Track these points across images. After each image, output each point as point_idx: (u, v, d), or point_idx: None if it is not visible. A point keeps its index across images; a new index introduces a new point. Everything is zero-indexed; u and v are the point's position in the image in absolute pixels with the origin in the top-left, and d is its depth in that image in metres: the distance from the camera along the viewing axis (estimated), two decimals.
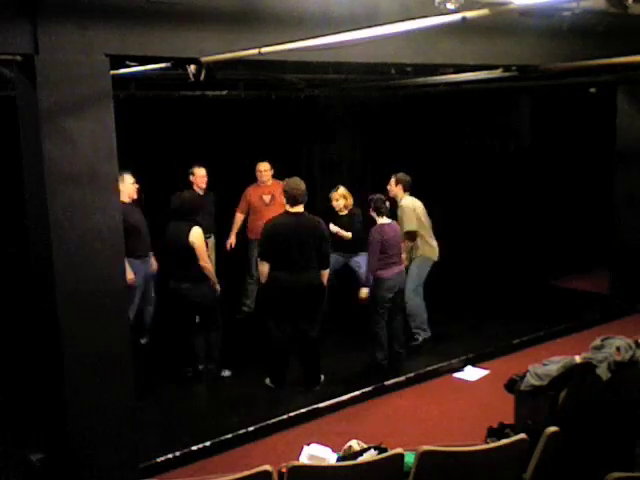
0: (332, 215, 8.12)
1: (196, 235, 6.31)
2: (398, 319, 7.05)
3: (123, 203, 6.85)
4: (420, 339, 7.55)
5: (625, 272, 8.97)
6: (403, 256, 7.24)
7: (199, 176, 7.73)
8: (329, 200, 8.08)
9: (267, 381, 6.58)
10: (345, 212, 8.07)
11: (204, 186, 7.79)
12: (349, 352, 7.37)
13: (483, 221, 10.22)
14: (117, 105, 4.82)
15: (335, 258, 8.22)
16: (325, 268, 6.46)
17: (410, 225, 7.35)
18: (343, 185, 8.18)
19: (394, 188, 7.54)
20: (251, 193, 8.35)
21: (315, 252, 6.33)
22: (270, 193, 8.27)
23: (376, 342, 6.93)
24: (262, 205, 8.25)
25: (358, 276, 7.93)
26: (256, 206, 8.27)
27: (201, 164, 7.81)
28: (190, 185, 7.71)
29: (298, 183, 6.44)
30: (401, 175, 7.56)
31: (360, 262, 8.07)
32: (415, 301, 7.51)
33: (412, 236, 7.39)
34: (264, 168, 8.27)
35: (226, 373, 6.77)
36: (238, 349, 7.23)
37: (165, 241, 6.55)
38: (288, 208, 6.44)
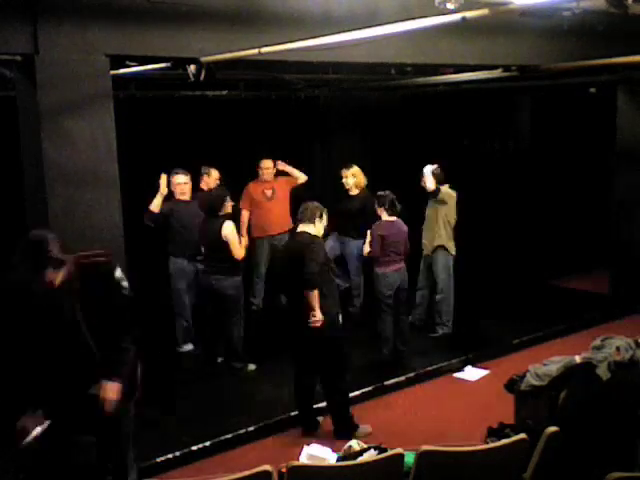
0: (343, 195, 8.14)
1: (228, 229, 6.50)
2: (403, 318, 7.07)
3: (178, 201, 7.10)
4: (440, 332, 7.65)
5: (625, 272, 8.97)
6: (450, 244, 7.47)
7: (214, 178, 7.68)
8: (340, 178, 8.15)
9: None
10: (356, 192, 8.08)
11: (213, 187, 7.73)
12: (349, 352, 7.36)
13: (483, 221, 10.21)
14: (117, 105, 4.82)
15: (330, 245, 8.28)
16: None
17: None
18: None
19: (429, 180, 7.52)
20: (252, 188, 8.32)
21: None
22: (271, 188, 8.28)
23: (382, 337, 6.96)
24: (264, 200, 8.24)
25: (349, 270, 8.12)
26: (258, 201, 8.25)
27: (214, 166, 7.76)
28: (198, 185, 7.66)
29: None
30: (436, 169, 7.60)
31: (354, 251, 8.10)
32: (449, 293, 7.65)
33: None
34: (267, 166, 8.25)
35: (252, 367, 6.81)
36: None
37: (198, 236, 6.78)
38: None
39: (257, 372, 6.75)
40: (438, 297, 7.69)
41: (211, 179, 7.59)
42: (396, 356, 7.03)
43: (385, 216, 6.89)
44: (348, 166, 8.17)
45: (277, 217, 8.28)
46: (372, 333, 7.25)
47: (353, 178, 8.07)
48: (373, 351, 7.12)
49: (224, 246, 6.51)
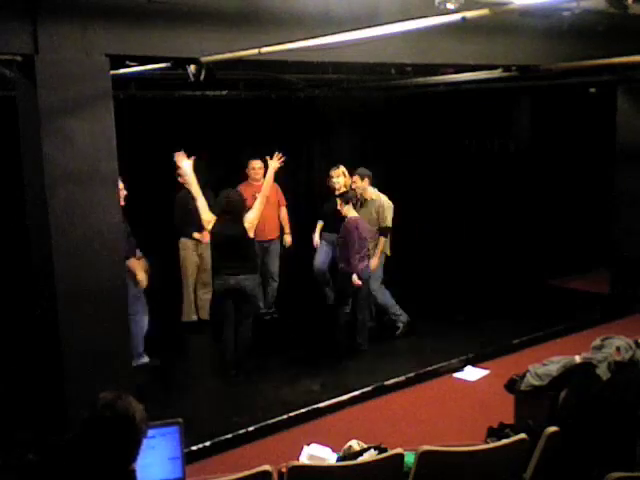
0: (329, 194, 8.17)
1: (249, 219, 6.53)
2: (365, 312, 7.20)
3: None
4: (401, 325, 7.72)
5: (625, 272, 8.97)
6: (377, 251, 7.43)
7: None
8: (328, 178, 8.19)
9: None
10: (343, 191, 8.14)
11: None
12: (348, 352, 7.37)
13: (483, 221, 10.22)
14: (117, 105, 4.82)
15: (324, 251, 8.32)
16: None
17: (389, 221, 7.51)
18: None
19: (360, 183, 7.61)
20: (243, 190, 8.11)
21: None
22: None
23: (338, 327, 7.18)
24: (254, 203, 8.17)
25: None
26: (250, 204, 8.18)
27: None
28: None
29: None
30: (364, 170, 7.67)
31: None
32: (384, 294, 7.71)
33: (387, 232, 7.54)
34: (258, 166, 8.16)
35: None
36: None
37: (214, 236, 6.59)
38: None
39: (257, 372, 6.75)
40: (380, 300, 7.73)
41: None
42: (356, 350, 7.19)
43: (352, 213, 7.04)
44: (336, 167, 8.21)
45: (269, 222, 8.19)
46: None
47: (343, 177, 8.13)
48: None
49: (248, 245, 6.49)
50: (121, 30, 4.59)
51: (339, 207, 7.12)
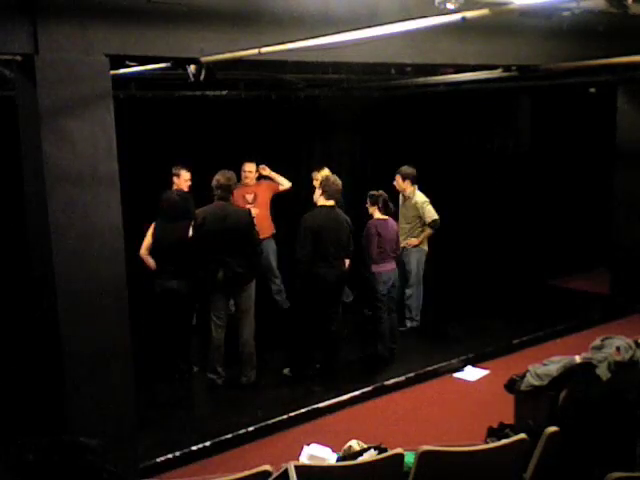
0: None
1: None
2: (393, 315, 7.12)
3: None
4: (409, 325, 7.84)
5: (625, 272, 8.97)
6: (414, 241, 7.60)
7: (184, 179, 7.65)
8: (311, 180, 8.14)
9: (286, 371, 6.76)
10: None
11: (187, 189, 7.71)
12: (349, 352, 7.37)
13: (483, 221, 10.21)
14: (117, 105, 4.82)
15: None
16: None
17: (431, 214, 7.61)
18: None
19: (402, 184, 7.70)
20: (234, 192, 8.26)
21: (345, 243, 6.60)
22: (253, 192, 8.24)
23: (377, 334, 7.01)
24: (245, 204, 8.15)
25: None
26: (240, 205, 8.19)
27: (187, 167, 7.68)
28: (170, 185, 7.58)
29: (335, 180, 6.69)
30: (406, 168, 7.70)
31: None
32: (418, 289, 7.81)
33: (434, 225, 7.63)
34: (249, 169, 8.19)
35: (196, 369, 6.82)
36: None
37: (157, 240, 6.57)
38: (323, 202, 6.61)
39: (256, 372, 6.74)
40: (408, 292, 7.82)
41: (181, 180, 7.55)
42: (389, 353, 7.06)
43: (378, 214, 6.95)
44: (319, 168, 8.19)
45: (260, 221, 8.15)
46: (363, 330, 7.30)
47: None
48: (367, 349, 7.17)
49: (187, 250, 6.42)
50: (121, 30, 4.58)
51: (368, 207, 7.07)
